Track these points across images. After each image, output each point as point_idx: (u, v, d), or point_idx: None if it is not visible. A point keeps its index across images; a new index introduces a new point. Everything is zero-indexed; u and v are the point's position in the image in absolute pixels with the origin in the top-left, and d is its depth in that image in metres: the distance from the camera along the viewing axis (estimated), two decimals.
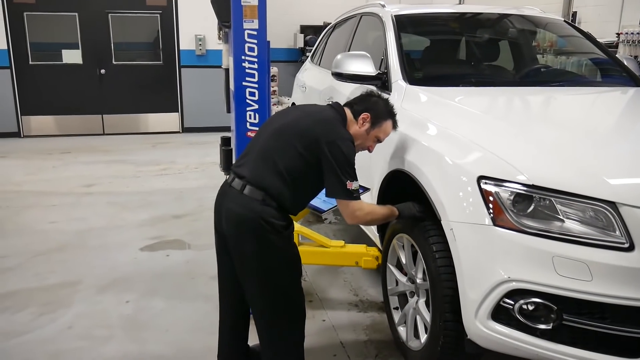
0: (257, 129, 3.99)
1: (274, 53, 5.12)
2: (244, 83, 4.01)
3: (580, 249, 1.77)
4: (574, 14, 6.40)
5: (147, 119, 9.06)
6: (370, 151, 2.42)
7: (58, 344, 2.80)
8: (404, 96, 2.84)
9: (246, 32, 3.91)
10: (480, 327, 1.94)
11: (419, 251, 2.34)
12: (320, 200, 2.76)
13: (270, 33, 4.15)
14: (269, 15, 3.98)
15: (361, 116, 2.31)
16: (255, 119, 4.06)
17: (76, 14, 8.40)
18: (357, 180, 2.16)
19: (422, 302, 2.42)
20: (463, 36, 3.81)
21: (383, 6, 3.61)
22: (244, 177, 2.15)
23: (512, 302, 1.86)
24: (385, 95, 2.54)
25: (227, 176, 2.27)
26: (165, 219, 4.72)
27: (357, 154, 2.28)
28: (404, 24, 3.38)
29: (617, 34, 5.88)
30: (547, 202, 1.86)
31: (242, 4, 3.86)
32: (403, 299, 2.67)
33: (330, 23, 5.12)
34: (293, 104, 5.31)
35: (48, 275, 3.59)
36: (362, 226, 3.39)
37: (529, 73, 3.64)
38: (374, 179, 2.85)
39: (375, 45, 3.54)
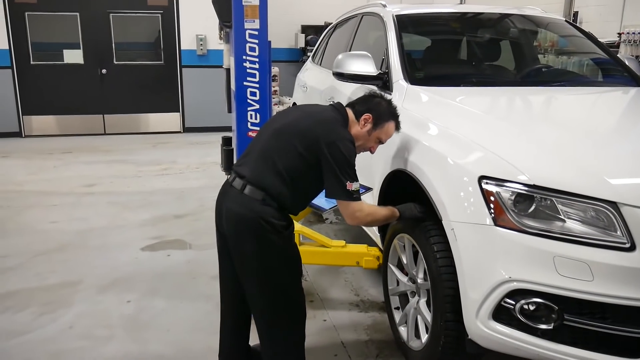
0: (258, 128, 4.01)
1: (274, 53, 5.11)
2: (245, 83, 4.02)
3: (582, 249, 1.77)
4: (575, 14, 6.39)
5: (148, 118, 9.07)
6: (372, 152, 2.42)
7: (59, 344, 2.80)
8: (405, 96, 2.83)
9: (247, 32, 3.92)
10: (481, 327, 1.94)
11: (420, 251, 2.34)
12: (322, 199, 2.75)
13: (271, 33, 4.16)
14: (270, 15, 3.99)
15: (363, 117, 2.30)
16: (256, 118, 4.07)
17: (77, 13, 8.40)
18: (357, 180, 2.15)
19: (423, 302, 2.42)
20: (464, 36, 3.81)
21: (384, 6, 3.61)
22: (244, 176, 2.15)
23: (513, 302, 1.86)
24: (386, 95, 2.54)
25: (229, 176, 2.27)
26: (166, 219, 4.72)
27: (358, 154, 2.28)
28: (405, 23, 3.37)
29: (618, 33, 5.87)
30: (548, 202, 1.85)
31: (243, 3, 3.87)
32: (404, 299, 2.67)
33: (331, 23, 5.11)
34: (294, 104, 5.31)
35: (49, 275, 3.60)
36: (363, 226, 3.39)
37: (530, 73, 3.64)
38: (374, 179, 2.85)
39: (376, 45, 3.54)
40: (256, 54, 3.96)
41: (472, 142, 2.18)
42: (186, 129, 9.15)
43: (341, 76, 3.06)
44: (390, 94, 2.88)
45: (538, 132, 2.29)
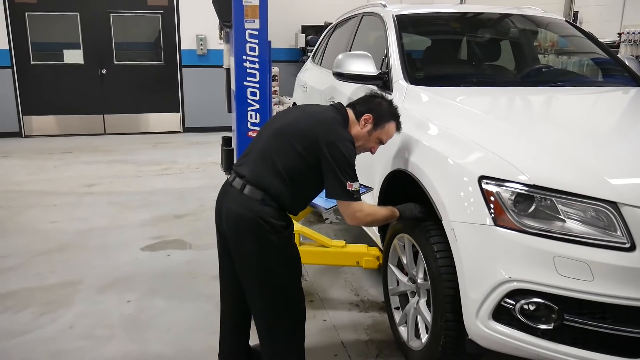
0: (258, 128, 4.01)
1: (275, 53, 5.11)
2: (245, 83, 4.03)
3: (582, 249, 1.77)
4: (576, 14, 6.39)
5: (148, 118, 9.07)
6: (372, 153, 2.41)
7: (59, 344, 2.80)
8: (405, 96, 2.83)
9: (247, 32, 3.92)
10: (481, 327, 1.94)
11: (420, 251, 2.34)
12: (322, 199, 2.75)
13: (272, 33, 4.17)
14: (270, 15, 3.99)
15: (363, 117, 2.30)
16: (256, 118, 4.08)
17: (77, 13, 8.40)
18: (357, 181, 2.15)
19: (423, 302, 2.42)
20: (464, 36, 3.81)
21: (384, 6, 3.61)
22: (244, 176, 2.15)
23: (513, 302, 1.86)
24: (387, 96, 2.54)
25: (229, 176, 2.27)
26: (167, 219, 4.72)
27: (358, 155, 2.28)
28: (405, 23, 3.37)
29: (618, 33, 5.87)
30: (548, 202, 1.85)
31: (243, 3, 3.88)
32: (404, 298, 2.66)
33: (332, 23, 5.11)
34: (294, 104, 5.31)
35: (49, 275, 3.60)
36: (363, 226, 3.39)
37: (531, 73, 3.64)
38: (374, 179, 2.85)
39: (376, 45, 3.54)
40: (256, 54, 3.97)
41: (472, 142, 2.18)
42: (186, 129, 9.15)
43: (341, 76, 3.06)
44: (390, 94, 2.88)
45: (538, 132, 2.29)
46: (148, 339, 2.85)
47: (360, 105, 2.34)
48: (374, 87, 2.97)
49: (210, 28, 7.75)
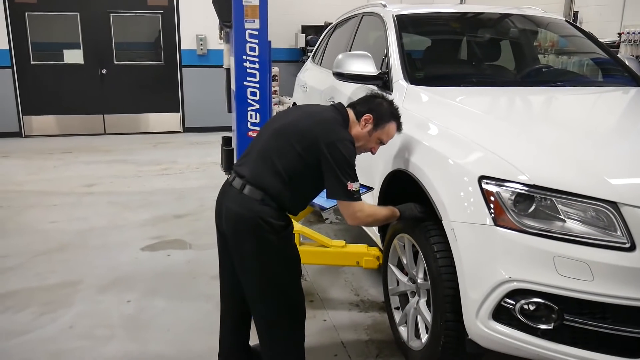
0: (258, 128, 4.02)
1: (275, 53, 5.12)
2: (245, 83, 4.03)
3: (582, 249, 1.77)
4: (576, 14, 6.39)
5: (148, 118, 9.07)
6: (373, 153, 2.41)
7: (59, 344, 2.80)
8: (405, 96, 2.83)
9: (247, 32, 3.92)
10: (481, 327, 1.94)
11: (420, 251, 2.34)
12: (322, 199, 2.75)
13: (272, 33, 4.17)
14: (270, 15, 3.99)
15: (363, 117, 2.29)
16: (256, 118, 4.08)
17: (77, 13, 8.40)
18: (357, 181, 2.15)
19: (423, 302, 2.42)
20: (464, 36, 3.81)
21: (384, 6, 3.61)
22: (244, 176, 2.15)
23: (513, 302, 1.86)
24: (387, 96, 2.53)
25: (229, 175, 2.27)
26: (167, 219, 4.72)
27: (358, 155, 2.28)
28: (405, 23, 3.37)
29: (618, 33, 5.87)
30: (548, 202, 1.86)
31: (243, 3, 3.88)
32: (404, 298, 2.67)
33: (332, 23, 5.11)
34: (294, 104, 5.32)
35: (49, 275, 3.60)
36: (363, 226, 3.39)
37: (531, 73, 3.64)
38: (374, 179, 2.85)
39: (376, 45, 3.54)
40: (256, 54, 3.97)
41: (472, 142, 2.18)
42: (186, 129, 9.15)
43: (341, 76, 3.06)
44: (390, 94, 2.88)
45: (538, 132, 2.29)
46: (148, 339, 2.85)
47: (360, 106, 2.34)
48: (374, 87, 2.97)
49: (210, 28, 7.75)
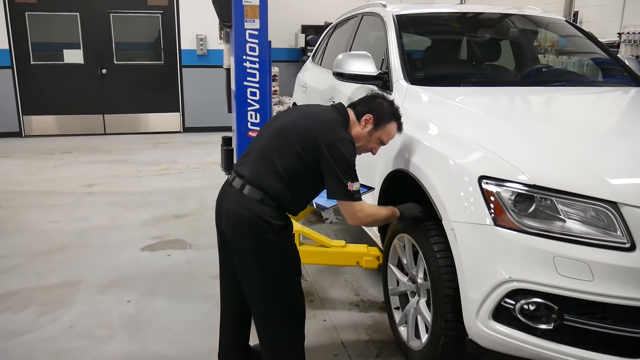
0: (258, 128, 4.02)
1: (275, 53, 5.12)
2: (245, 83, 4.03)
3: (582, 249, 1.77)
4: (575, 14, 6.39)
5: (148, 118, 9.07)
6: (373, 153, 2.41)
7: (59, 344, 2.80)
8: (405, 96, 2.83)
9: (247, 32, 3.93)
10: (481, 327, 1.94)
11: (420, 251, 2.34)
12: (322, 198, 2.76)
13: (272, 33, 4.17)
14: (270, 15, 4.00)
15: (364, 117, 2.29)
16: (256, 118, 4.08)
17: (77, 13, 8.40)
18: (357, 181, 2.15)
19: (423, 302, 2.42)
20: (464, 36, 3.81)
21: (384, 6, 3.61)
22: (243, 176, 2.15)
23: (513, 302, 1.86)
24: (387, 96, 2.53)
25: (229, 175, 2.27)
26: (166, 219, 4.72)
27: (359, 155, 2.28)
28: (405, 23, 3.37)
29: (618, 33, 5.87)
30: (548, 202, 1.86)
31: (243, 3, 3.88)
32: (404, 298, 2.67)
33: (332, 23, 5.11)
34: (294, 104, 5.32)
35: (49, 275, 3.60)
36: (363, 226, 3.39)
37: (531, 73, 3.64)
38: (374, 179, 2.85)
39: (376, 45, 3.54)
40: (256, 54, 3.97)
41: (472, 142, 2.18)
42: (186, 129, 9.15)
43: (341, 76, 3.06)
44: (391, 94, 2.88)
45: (538, 132, 2.29)
46: (148, 338, 2.85)
47: (361, 106, 2.34)
48: (374, 87, 2.97)
49: (210, 28, 7.75)
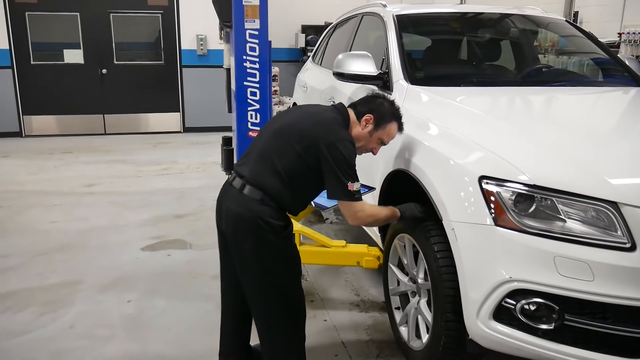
0: (258, 128, 4.02)
1: (275, 53, 5.12)
2: (245, 83, 4.03)
3: (582, 249, 1.77)
4: (576, 14, 6.39)
5: (148, 118, 9.07)
6: (374, 153, 2.41)
7: (59, 344, 2.80)
8: (405, 96, 2.83)
9: (247, 32, 3.93)
10: (482, 327, 1.94)
11: (420, 251, 2.34)
12: (323, 198, 2.76)
13: (272, 33, 4.17)
14: (270, 15, 4.00)
15: (364, 117, 2.29)
16: (256, 118, 4.08)
17: (78, 13, 8.40)
18: (358, 181, 2.15)
19: (423, 302, 2.42)
20: (464, 36, 3.81)
21: (384, 6, 3.61)
22: (244, 176, 2.15)
23: (514, 302, 1.86)
24: (387, 96, 2.53)
25: (229, 175, 2.27)
26: (167, 219, 4.72)
27: (359, 156, 2.27)
28: (405, 23, 3.37)
29: (618, 33, 5.88)
30: (549, 202, 1.86)
31: (243, 3, 3.88)
32: (404, 299, 2.67)
33: (332, 23, 5.12)
34: (294, 104, 5.32)
35: (49, 275, 3.60)
36: (363, 226, 3.39)
37: (531, 73, 3.64)
38: (375, 179, 2.85)
39: (376, 45, 3.54)
40: (256, 54, 3.97)
41: (473, 142, 2.18)
42: (186, 129, 9.15)
43: (341, 76, 3.06)
44: (391, 94, 2.88)
45: (538, 132, 2.29)
46: (148, 338, 2.85)
47: (361, 106, 2.34)
48: (374, 87, 2.97)
49: (210, 28, 7.75)
